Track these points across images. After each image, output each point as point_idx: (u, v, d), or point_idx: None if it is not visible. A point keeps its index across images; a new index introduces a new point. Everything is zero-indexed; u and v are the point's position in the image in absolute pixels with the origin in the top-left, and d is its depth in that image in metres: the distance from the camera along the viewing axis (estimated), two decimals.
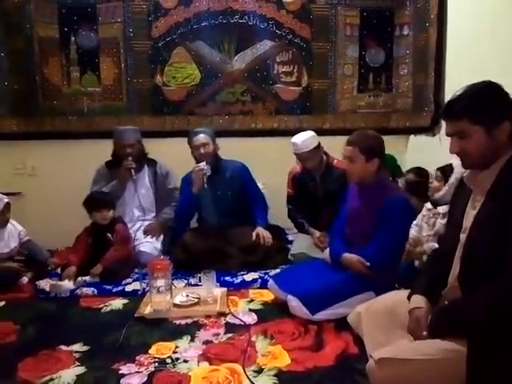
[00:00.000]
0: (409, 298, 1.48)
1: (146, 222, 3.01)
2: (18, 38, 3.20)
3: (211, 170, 2.82)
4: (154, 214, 3.09)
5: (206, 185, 2.81)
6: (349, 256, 2.16)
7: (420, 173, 2.68)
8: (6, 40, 3.18)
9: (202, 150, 2.85)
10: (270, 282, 2.36)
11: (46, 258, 2.84)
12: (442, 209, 2.17)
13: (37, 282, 2.58)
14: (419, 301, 1.43)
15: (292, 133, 3.17)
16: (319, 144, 2.80)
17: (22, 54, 3.21)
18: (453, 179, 2.11)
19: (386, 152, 3.27)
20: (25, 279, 2.63)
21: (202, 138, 2.87)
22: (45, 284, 2.54)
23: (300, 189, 2.94)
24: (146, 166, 3.09)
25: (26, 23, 3.18)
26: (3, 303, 2.38)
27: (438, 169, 2.29)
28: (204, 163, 2.80)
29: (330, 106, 3.51)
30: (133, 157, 2.94)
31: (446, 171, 2.20)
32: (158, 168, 3.10)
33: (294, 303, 2.08)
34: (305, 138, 2.75)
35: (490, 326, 1.19)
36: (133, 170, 2.93)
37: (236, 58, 3.40)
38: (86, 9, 3.24)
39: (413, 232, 2.29)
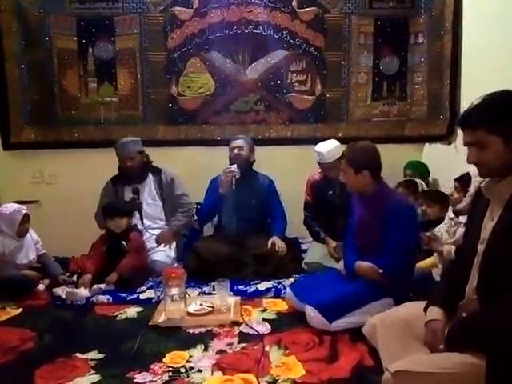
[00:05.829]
0: (425, 309, 1.46)
1: (157, 231, 2.98)
2: (37, 50, 3.28)
3: (240, 174, 2.90)
4: (163, 223, 3.05)
5: (233, 186, 2.87)
6: (361, 263, 2.16)
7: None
8: (26, 52, 3.27)
9: (236, 151, 3.00)
10: (288, 292, 2.35)
11: (58, 274, 2.77)
12: (464, 218, 2.15)
13: (53, 290, 2.62)
14: (436, 313, 1.41)
15: (306, 141, 3.18)
16: (343, 154, 2.79)
17: (41, 65, 3.29)
18: (472, 190, 2.11)
19: (404, 159, 3.28)
20: (41, 286, 2.67)
21: (239, 141, 3.05)
22: (61, 291, 2.57)
23: (318, 197, 2.94)
24: (150, 174, 3.05)
25: (46, 36, 3.27)
26: (20, 310, 2.42)
27: (456, 179, 2.28)
28: (235, 166, 2.89)
29: (344, 114, 3.49)
30: (134, 169, 2.95)
31: (464, 181, 2.20)
32: (162, 175, 3.06)
33: (312, 313, 2.06)
34: (330, 148, 2.77)
35: (508, 340, 1.17)
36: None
37: (250, 67, 3.42)
38: (104, 21, 3.30)
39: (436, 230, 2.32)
